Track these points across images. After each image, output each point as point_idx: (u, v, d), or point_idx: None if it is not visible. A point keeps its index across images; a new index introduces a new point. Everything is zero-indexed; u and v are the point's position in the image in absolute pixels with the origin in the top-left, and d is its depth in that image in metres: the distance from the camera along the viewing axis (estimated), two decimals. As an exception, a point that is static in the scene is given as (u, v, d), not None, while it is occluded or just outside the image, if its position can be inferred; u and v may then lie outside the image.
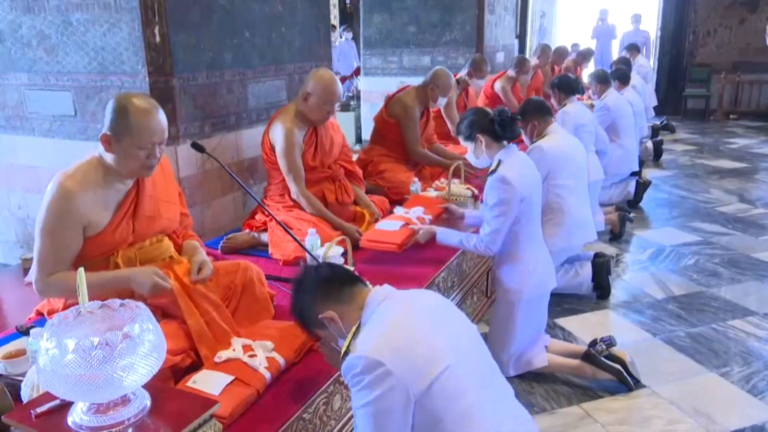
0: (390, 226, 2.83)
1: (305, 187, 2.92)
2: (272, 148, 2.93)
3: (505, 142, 2.59)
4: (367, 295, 1.53)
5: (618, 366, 2.66)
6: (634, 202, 5.24)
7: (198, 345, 1.83)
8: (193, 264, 2.02)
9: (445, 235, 2.71)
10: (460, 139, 2.70)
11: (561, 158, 3.24)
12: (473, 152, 2.65)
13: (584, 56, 7.94)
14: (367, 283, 1.62)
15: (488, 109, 2.69)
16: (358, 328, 1.50)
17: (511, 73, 5.72)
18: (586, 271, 3.52)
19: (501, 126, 2.54)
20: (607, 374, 2.67)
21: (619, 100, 5.26)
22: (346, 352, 1.47)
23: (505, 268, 2.65)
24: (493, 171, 2.52)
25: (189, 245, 2.17)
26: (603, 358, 2.68)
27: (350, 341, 1.48)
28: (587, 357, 2.70)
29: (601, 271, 3.52)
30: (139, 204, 1.96)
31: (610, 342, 2.71)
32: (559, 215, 3.25)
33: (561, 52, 7.64)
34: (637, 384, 2.69)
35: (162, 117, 1.89)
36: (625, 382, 2.65)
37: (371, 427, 1.36)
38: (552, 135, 3.29)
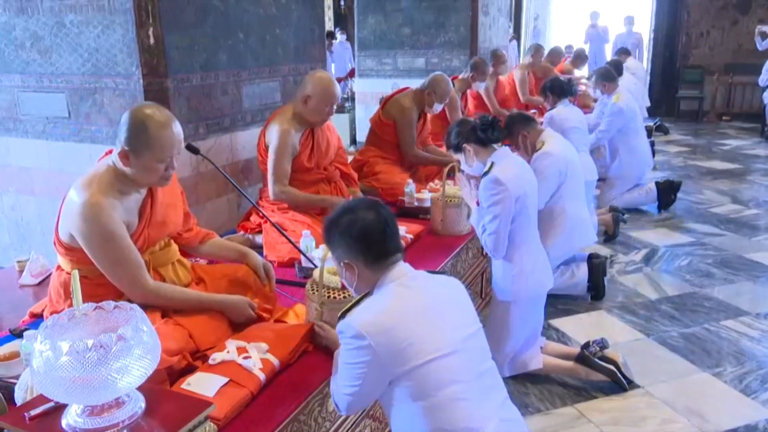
0: None
1: (296, 187, 2.92)
2: (267, 149, 2.93)
3: (494, 146, 2.61)
4: (389, 271, 1.57)
5: (611, 367, 2.67)
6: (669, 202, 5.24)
7: (197, 343, 1.83)
8: (257, 270, 2.13)
9: (474, 217, 2.69)
10: (451, 152, 2.73)
11: (566, 161, 3.23)
12: (465, 162, 2.67)
13: (581, 58, 7.97)
14: (402, 252, 1.64)
15: (469, 118, 2.73)
16: (365, 295, 1.61)
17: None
18: (582, 272, 3.53)
19: (483, 130, 2.57)
20: (601, 375, 2.68)
21: (631, 100, 5.06)
22: (345, 313, 1.59)
23: (500, 268, 2.66)
24: (486, 173, 2.53)
25: (217, 244, 2.24)
26: (596, 360, 2.70)
27: (352, 305, 1.60)
28: (581, 359, 2.71)
29: (598, 272, 3.53)
30: (153, 211, 1.94)
31: (602, 344, 2.73)
32: (560, 218, 3.25)
33: (557, 52, 7.66)
34: (631, 384, 2.70)
35: (179, 128, 1.84)
36: (618, 382, 2.66)
37: (348, 378, 1.52)
38: (549, 140, 3.27)
